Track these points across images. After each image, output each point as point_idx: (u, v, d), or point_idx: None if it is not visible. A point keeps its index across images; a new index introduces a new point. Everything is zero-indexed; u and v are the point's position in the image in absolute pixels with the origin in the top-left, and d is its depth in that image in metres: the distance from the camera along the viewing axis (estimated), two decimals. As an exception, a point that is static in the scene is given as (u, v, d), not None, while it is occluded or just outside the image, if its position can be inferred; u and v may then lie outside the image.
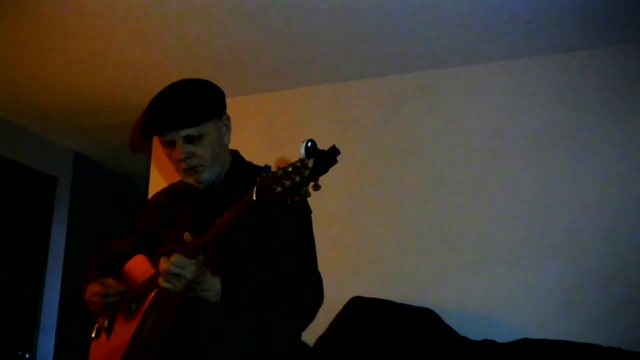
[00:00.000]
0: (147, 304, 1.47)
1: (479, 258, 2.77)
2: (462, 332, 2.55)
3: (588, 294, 2.56)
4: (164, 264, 1.32)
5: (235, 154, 1.67)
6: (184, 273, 1.31)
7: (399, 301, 2.65)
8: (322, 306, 1.52)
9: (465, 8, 2.48)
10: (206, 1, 2.49)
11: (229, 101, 1.62)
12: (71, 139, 4.34)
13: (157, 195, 1.80)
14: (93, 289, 1.56)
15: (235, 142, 1.66)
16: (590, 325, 2.51)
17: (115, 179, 5.10)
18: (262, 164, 1.42)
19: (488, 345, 2.45)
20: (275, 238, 1.49)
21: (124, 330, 1.52)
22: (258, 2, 2.48)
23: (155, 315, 1.46)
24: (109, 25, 2.70)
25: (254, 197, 1.19)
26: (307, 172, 1.11)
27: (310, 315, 1.51)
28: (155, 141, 3.44)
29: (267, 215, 1.36)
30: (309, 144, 1.11)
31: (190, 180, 1.56)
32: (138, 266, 1.59)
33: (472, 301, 2.73)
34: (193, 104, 1.50)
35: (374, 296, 2.69)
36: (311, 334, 2.57)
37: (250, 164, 1.68)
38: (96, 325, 1.67)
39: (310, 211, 1.60)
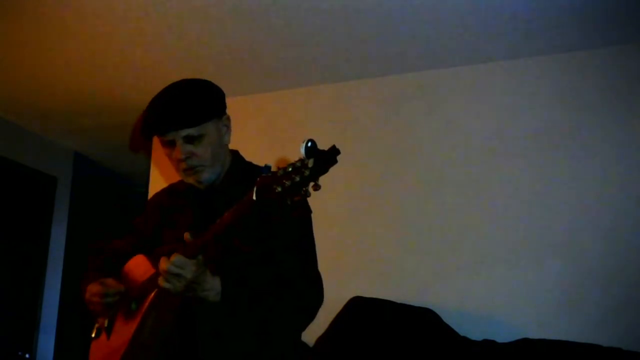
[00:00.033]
0: (147, 304, 1.47)
1: (479, 258, 2.77)
2: (462, 332, 2.55)
3: (588, 294, 2.56)
4: (164, 263, 1.32)
5: (235, 154, 1.67)
6: (184, 273, 1.31)
7: (399, 301, 2.65)
8: (322, 306, 1.52)
9: (465, 8, 2.48)
10: (206, 1, 2.49)
11: (229, 101, 1.62)
12: (71, 139, 4.34)
13: (157, 195, 1.80)
14: (93, 288, 1.56)
15: (235, 142, 1.66)
16: (590, 325, 2.51)
17: (115, 179, 5.10)
18: (262, 164, 1.41)
19: (488, 345, 2.45)
20: (275, 238, 1.49)
21: (124, 330, 1.52)
22: (258, 2, 2.48)
23: (155, 315, 1.47)
24: (109, 25, 2.70)
25: (254, 197, 1.19)
26: (307, 172, 1.11)
27: (310, 315, 1.51)
28: (156, 141, 3.44)
29: (267, 215, 1.36)
30: (309, 144, 1.11)
31: (190, 180, 1.56)
32: (138, 266, 1.59)
33: (472, 301, 2.73)
34: (193, 104, 1.50)
35: (374, 296, 2.69)
36: (311, 334, 2.57)
37: (250, 164, 1.67)
38: (96, 325, 1.67)
39: (310, 211, 1.60)
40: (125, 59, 3.04)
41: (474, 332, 2.54)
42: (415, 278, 2.85)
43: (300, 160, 1.12)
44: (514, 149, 2.84)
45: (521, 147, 2.82)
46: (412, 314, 2.58)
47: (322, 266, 1.56)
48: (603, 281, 2.55)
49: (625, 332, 2.44)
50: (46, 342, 4.09)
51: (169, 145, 1.53)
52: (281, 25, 2.66)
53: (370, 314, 2.60)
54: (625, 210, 2.59)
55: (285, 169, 1.13)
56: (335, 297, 2.27)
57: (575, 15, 2.49)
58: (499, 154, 2.86)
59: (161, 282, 1.34)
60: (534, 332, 2.48)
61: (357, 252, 3.00)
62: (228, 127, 1.61)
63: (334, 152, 1.13)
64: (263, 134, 3.34)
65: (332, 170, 1.13)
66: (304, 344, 2.11)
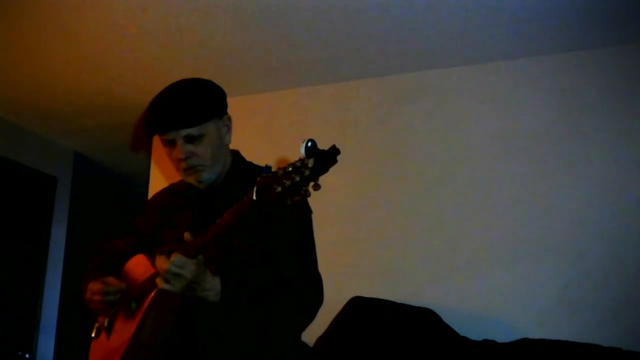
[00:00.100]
0: (147, 303, 1.47)
1: (479, 258, 2.77)
2: (462, 332, 2.55)
3: (588, 294, 2.56)
4: (164, 263, 1.32)
5: (235, 154, 1.67)
6: (184, 273, 1.31)
7: (399, 301, 2.65)
8: (322, 306, 1.51)
9: (465, 8, 2.48)
10: (206, 1, 2.49)
11: (229, 101, 1.62)
12: (71, 139, 4.34)
13: (157, 195, 1.79)
14: (94, 287, 1.56)
15: (235, 142, 1.66)
16: (590, 325, 2.51)
17: (115, 179, 5.10)
18: (262, 164, 1.42)
19: (488, 345, 2.45)
20: (275, 238, 1.49)
21: (124, 330, 1.52)
22: (258, 2, 2.48)
23: (155, 315, 1.46)
24: (109, 25, 2.70)
25: (254, 197, 1.19)
26: (307, 172, 1.11)
27: (310, 315, 1.51)
28: (156, 140, 3.45)
29: (267, 215, 1.36)
30: (309, 144, 1.11)
31: (191, 180, 1.56)
32: (138, 266, 1.59)
33: (472, 301, 2.73)
34: (194, 104, 1.50)
35: (374, 296, 2.69)
36: (311, 334, 2.56)
37: (250, 164, 1.67)
38: (96, 325, 1.67)
39: (310, 211, 1.60)
40: (125, 59, 3.04)
41: (474, 332, 2.54)
42: (415, 278, 2.85)
43: (300, 160, 1.12)
44: (514, 149, 2.83)
45: (521, 147, 2.82)
46: (412, 314, 2.58)
47: (322, 266, 1.56)
48: (603, 281, 2.55)
49: (625, 332, 2.44)
50: (46, 342, 4.09)
51: (170, 144, 1.53)
52: (281, 26, 2.66)
53: (370, 314, 2.60)
54: (625, 211, 2.59)
55: (285, 168, 1.14)
56: (335, 297, 2.27)
57: (575, 15, 2.49)
58: (499, 154, 2.86)
59: (160, 282, 1.34)
60: (534, 332, 2.48)
61: (357, 252, 3.00)
62: (229, 127, 1.60)
63: (334, 152, 1.13)
64: (263, 134, 3.34)
65: (332, 170, 1.13)
66: (304, 344, 2.11)
